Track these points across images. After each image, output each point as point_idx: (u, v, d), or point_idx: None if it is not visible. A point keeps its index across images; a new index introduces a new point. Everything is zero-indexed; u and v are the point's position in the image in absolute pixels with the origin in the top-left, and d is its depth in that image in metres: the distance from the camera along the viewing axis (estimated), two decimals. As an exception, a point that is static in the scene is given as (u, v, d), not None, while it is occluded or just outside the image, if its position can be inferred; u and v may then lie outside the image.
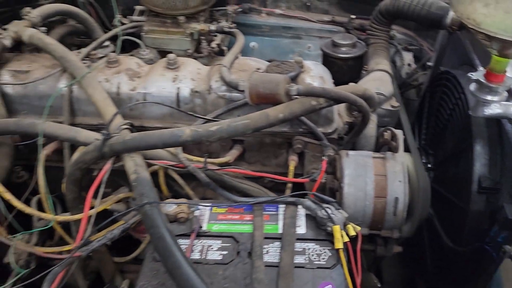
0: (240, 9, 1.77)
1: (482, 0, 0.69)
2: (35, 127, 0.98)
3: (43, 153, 1.05)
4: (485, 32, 0.73)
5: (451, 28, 1.18)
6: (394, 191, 0.89)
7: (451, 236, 1.12)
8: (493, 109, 0.84)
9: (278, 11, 1.84)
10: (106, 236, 0.86)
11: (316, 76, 1.08)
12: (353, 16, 1.72)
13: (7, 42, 1.15)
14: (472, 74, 0.86)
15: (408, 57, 1.65)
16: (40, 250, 1.04)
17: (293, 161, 1.07)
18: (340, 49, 1.38)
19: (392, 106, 1.13)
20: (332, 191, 0.97)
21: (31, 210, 1.01)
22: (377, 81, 1.15)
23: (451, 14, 1.19)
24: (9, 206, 1.02)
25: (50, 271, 0.78)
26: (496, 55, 0.79)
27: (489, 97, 0.84)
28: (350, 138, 1.07)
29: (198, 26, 1.31)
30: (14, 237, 1.04)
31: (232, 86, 1.03)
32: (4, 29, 1.17)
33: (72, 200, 0.99)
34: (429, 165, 1.27)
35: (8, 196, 1.00)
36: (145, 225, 0.78)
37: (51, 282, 0.76)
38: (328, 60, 1.39)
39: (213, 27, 1.32)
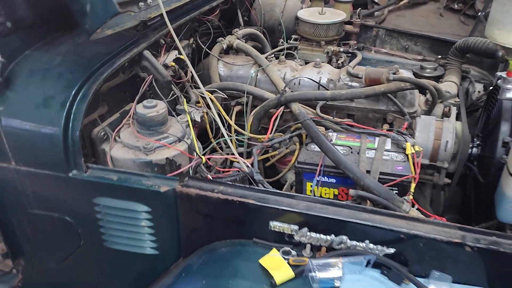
0: (356, 46, 2.54)
1: (496, 26, 1.35)
2: (243, 87, 1.80)
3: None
4: (502, 45, 1.38)
5: (502, 58, 1.81)
6: (445, 137, 1.52)
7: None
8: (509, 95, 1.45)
9: (383, 50, 2.57)
10: (278, 139, 1.60)
11: (405, 74, 1.78)
12: (439, 56, 2.39)
13: (224, 46, 2.02)
14: (499, 73, 1.49)
15: (478, 86, 2.25)
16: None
17: (386, 126, 1.75)
18: (426, 70, 2.06)
19: (455, 101, 1.77)
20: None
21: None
22: (446, 86, 1.81)
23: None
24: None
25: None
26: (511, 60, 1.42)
27: (509, 86, 1.46)
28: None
29: (332, 48, 2.09)
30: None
31: (354, 75, 1.76)
32: (222, 40, 2.05)
33: (254, 131, 1.76)
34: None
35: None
36: (306, 130, 1.52)
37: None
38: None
39: (341, 49, 2.09)
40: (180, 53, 1.65)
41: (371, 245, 1.13)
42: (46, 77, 1.30)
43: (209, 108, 1.62)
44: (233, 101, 1.85)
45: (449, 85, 1.83)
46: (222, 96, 1.73)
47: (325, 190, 1.46)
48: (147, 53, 1.46)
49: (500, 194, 1.33)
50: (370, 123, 1.81)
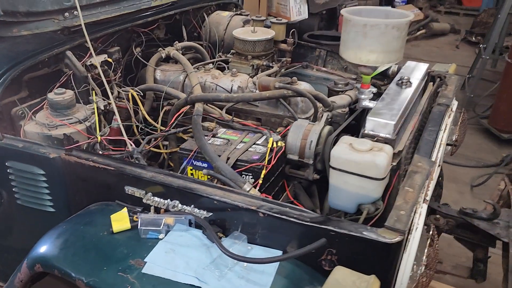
0: (300, 65, 2.82)
1: (344, 46, 1.62)
2: (163, 88, 2.13)
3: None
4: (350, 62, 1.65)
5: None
6: (311, 138, 1.78)
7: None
8: (364, 103, 1.69)
9: (323, 69, 2.84)
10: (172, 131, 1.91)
11: (304, 86, 2.05)
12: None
13: (163, 55, 2.37)
14: (356, 85, 1.74)
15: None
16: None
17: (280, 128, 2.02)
18: (338, 86, 2.31)
19: (342, 111, 2.02)
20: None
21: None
22: (338, 98, 2.06)
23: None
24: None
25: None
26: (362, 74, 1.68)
27: (363, 96, 1.71)
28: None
29: (257, 61, 2.39)
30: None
31: (255, 83, 2.06)
32: (162, 50, 2.40)
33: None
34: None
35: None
36: (192, 122, 1.82)
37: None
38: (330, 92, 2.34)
39: (264, 62, 2.39)
40: (109, 57, 2.02)
41: (196, 210, 1.41)
42: (-20, 65, 1.69)
43: (136, 104, 1.97)
44: (165, 101, 2.18)
45: (342, 97, 2.09)
46: (138, 93, 2.05)
47: (200, 174, 1.75)
48: (68, 53, 1.83)
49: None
50: (273, 126, 2.09)
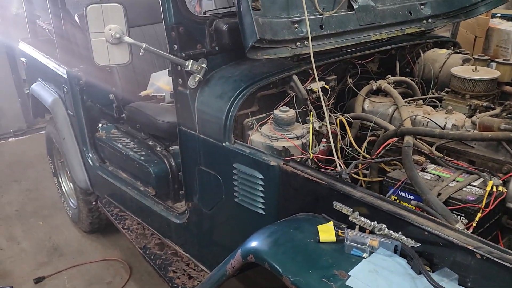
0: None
1: None
2: (372, 118, 2.18)
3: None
4: None
5: None
6: None
7: None
8: None
9: (555, 117, 2.47)
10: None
11: None
12: None
13: (374, 87, 2.44)
14: None
15: None
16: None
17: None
18: None
19: None
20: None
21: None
22: None
23: None
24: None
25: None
26: None
27: None
28: None
29: (475, 101, 2.24)
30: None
31: (474, 122, 1.93)
32: (374, 82, 2.47)
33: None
34: None
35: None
36: (402, 153, 1.81)
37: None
38: None
39: (484, 103, 2.22)
40: (326, 84, 2.19)
41: (403, 237, 1.39)
42: (227, 82, 2.03)
43: (344, 130, 2.09)
44: (371, 132, 2.24)
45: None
46: (348, 119, 2.14)
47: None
48: (294, 77, 2.05)
49: None
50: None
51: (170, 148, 2.80)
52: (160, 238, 2.74)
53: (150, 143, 2.91)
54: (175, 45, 2.02)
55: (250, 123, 2.00)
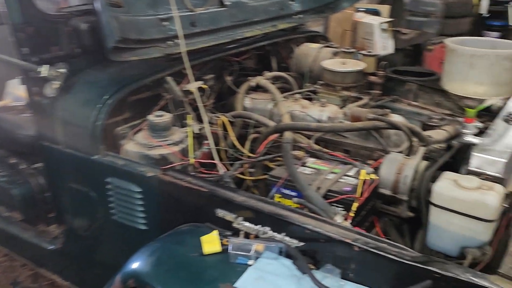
0: (390, 99, 2.73)
1: (458, 81, 1.54)
2: (252, 115, 2.16)
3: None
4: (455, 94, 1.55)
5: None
6: (405, 172, 1.68)
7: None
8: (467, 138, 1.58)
9: (414, 103, 2.72)
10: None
11: (394, 117, 1.96)
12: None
13: (253, 84, 2.42)
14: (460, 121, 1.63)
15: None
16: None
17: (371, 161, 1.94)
18: (432, 120, 2.19)
19: (439, 146, 1.90)
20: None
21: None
22: (434, 132, 1.95)
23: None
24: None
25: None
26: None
27: (465, 130, 1.59)
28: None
29: (346, 93, 2.35)
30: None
31: (346, 114, 2.01)
32: (251, 78, 2.46)
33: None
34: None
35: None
36: (282, 149, 1.80)
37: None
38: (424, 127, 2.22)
39: (353, 94, 2.34)
40: (205, 83, 2.10)
41: (287, 238, 1.37)
42: (93, 87, 1.83)
43: (225, 129, 2.01)
44: (253, 129, 2.21)
45: (438, 132, 1.97)
46: (231, 120, 2.09)
47: (288, 202, 1.71)
48: (168, 78, 1.92)
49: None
50: (362, 158, 2.02)
51: (36, 165, 2.47)
52: (33, 268, 2.42)
53: (12, 161, 2.55)
54: (25, 49, 1.76)
55: (123, 132, 1.83)
